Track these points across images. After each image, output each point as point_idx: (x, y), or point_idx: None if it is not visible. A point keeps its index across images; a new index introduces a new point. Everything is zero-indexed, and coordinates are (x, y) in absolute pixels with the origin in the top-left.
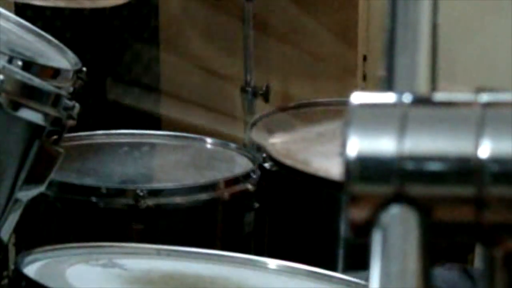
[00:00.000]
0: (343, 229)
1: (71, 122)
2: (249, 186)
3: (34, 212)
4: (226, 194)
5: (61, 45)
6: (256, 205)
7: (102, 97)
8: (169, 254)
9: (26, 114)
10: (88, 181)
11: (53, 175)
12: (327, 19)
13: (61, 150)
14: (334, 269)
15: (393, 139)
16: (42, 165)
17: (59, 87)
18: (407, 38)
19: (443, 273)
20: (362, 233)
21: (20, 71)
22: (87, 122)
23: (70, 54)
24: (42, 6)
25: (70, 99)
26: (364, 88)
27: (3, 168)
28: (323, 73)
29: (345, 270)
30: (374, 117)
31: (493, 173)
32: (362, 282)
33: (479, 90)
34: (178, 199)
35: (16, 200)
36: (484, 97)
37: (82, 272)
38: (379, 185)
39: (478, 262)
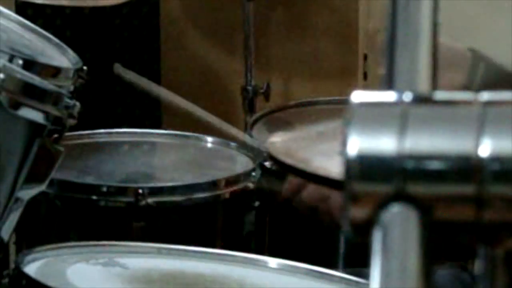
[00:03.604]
0: (344, 228)
1: (71, 121)
2: (250, 185)
3: (35, 211)
4: (226, 192)
5: (62, 43)
6: (257, 203)
7: (103, 96)
8: (169, 253)
9: (27, 113)
10: (89, 179)
11: (54, 174)
12: (327, 18)
13: (61, 149)
14: (334, 268)
15: (393, 138)
16: (42, 164)
17: (59, 86)
18: (408, 37)
19: (435, 278)
20: (362, 232)
21: (21, 70)
22: (87, 120)
23: (71, 52)
24: (43, 5)
25: (70, 98)
26: (364, 87)
27: (3, 167)
28: (324, 72)
29: (345, 269)
30: (375, 116)
31: (493, 172)
32: (363, 281)
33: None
34: (178, 198)
35: (17, 199)
36: (485, 96)
37: (83, 271)
38: (380, 184)
39: (478, 261)
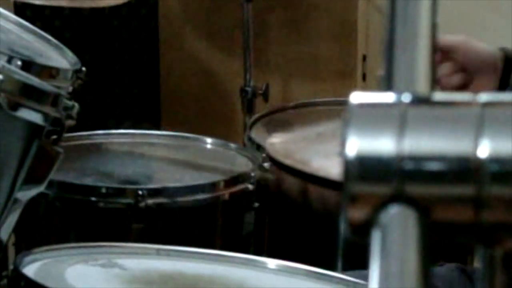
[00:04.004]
0: (342, 229)
1: (70, 122)
2: (249, 186)
3: (34, 212)
4: (226, 194)
5: (61, 45)
6: (256, 204)
7: (101, 97)
8: (168, 254)
9: (25, 114)
10: (88, 181)
11: (53, 175)
12: (326, 19)
13: (60, 150)
14: (333, 269)
15: (392, 139)
16: (41, 165)
17: (58, 87)
18: (407, 38)
19: (442, 272)
20: (361, 233)
21: (20, 71)
22: (86, 122)
23: (70, 54)
24: (42, 6)
25: (69, 99)
26: (363, 88)
27: (2, 168)
28: (323, 73)
29: (344, 270)
30: (373, 117)
31: (492, 173)
32: (362, 282)
33: None
34: (178, 199)
35: (16, 200)
36: (483, 97)
37: (82, 272)
38: (378, 185)
39: (477, 262)
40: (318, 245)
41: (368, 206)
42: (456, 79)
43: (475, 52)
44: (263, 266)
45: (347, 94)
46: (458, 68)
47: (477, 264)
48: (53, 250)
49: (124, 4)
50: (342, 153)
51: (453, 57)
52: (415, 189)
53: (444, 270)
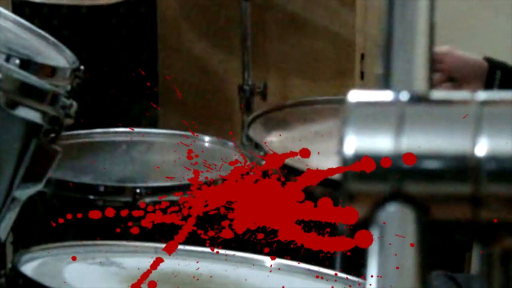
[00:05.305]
0: (341, 228)
1: (68, 121)
2: None
3: (32, 210)
4: None
5: (59, 43)
6: None
7: (100, 95)
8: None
9: (24, 112)
10: (86, 179)
11: (51, 173)
12: (324, 17)
13: (58, 148)
14: (332, 267)
15: (390, 137)
16: (39, 163)
17: (56, 86)
18: (404, 37)
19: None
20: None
21: (18, 70)
22: (84, 120)
23: (68, 52)
24: (40, 4)
25: (67, 98)
26: (361, 86)
27: (0, 166)
28: (321, 72)
29: (343, 269)
30: (372, 115)
31: (490, 171)
32: (360, 280)
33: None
34: (176, 198)
35: (14, 199)
36: (481, 95)
37: (80, 271)
38: (376, 183)
39: (475, 260)
40: None
41: (366, 204)
42: (445, 88)
43: (461, 60)
44: (261, 265)
45: (345, 93)
46: (446, 77)
47: (475, 262)
48: (51, 249)
49: (122, 2)
50: (340, 152)
51: (440, 67)
52: (413, 188)
53: (432, 277)
